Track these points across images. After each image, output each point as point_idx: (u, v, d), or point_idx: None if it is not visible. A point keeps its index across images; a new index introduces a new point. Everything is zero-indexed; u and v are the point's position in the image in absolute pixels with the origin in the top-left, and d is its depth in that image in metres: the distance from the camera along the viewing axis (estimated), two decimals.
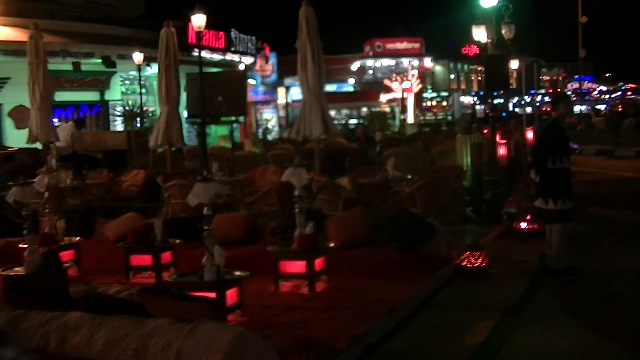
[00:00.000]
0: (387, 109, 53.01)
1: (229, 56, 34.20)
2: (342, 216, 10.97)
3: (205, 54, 32.56)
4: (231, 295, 7.99)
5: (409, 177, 13.44)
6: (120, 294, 9.45)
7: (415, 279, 9.34)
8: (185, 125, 24.29)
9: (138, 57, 23.60)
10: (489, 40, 15.04)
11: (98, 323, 6.15)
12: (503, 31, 18.02)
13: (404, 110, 50.55)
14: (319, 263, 9.25)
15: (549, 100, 29.96)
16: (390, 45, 63.62)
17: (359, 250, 10.19)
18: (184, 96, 16.87)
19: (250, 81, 39.01)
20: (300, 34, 13.71)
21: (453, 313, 8.47)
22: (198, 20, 16.32)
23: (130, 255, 10.37)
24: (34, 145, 17.64)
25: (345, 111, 48.12)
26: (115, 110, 29.50)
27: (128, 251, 10.39)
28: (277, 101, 42.86)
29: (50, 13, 28.08)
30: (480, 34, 15.92)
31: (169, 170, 15.87)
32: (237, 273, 8.24)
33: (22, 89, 27.54)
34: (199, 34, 17.15)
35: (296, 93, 51.88)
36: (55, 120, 27.43)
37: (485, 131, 16.16)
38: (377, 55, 63.61)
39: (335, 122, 43.64)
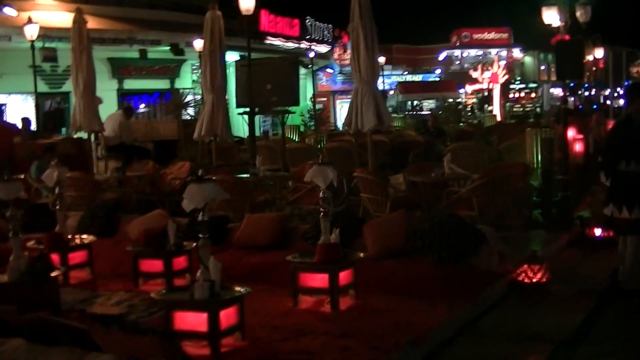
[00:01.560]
0: (474, 100, 51.14)
1: (304, 44, 33.00)
2: (380, 221, 9.58)
3: (278, 42, 31.53)
4: (227, 316, 6.71)
5: (470, 175, 11.92)
6: (121, 304, 8.34)
7: (455, 299, 7.89)
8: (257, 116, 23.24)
9: (199, 44, 22.45)
10: (562, 24, 13.31)
11: (35, 356, 4.94)
12: (577, 14, 16.32)
13: (488, 101, 48.54)
14: (344, 277, 7.91)
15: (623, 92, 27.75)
16: (477, 36, 61.40)
17: (395, 261, 8.77)
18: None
19: (328, 70, 37.82)
20: (352, 18, 12.35)
21: (495, 345, 6.96)
22: (246, 2, 15.00)
23: (139, 260, 9.18)
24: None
25: (427, 102, 46.37)
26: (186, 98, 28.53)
27: (137, 255, 9.19)
28: None
29: (119, 0, 27.26)
30: (551, 16, 14.22)
31: (215, 162, 14.66)
32: (237, 289, 6.94)
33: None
34: (247, 18, 15.54)
35: (379, 82, 50.45)
36: (142, 106, 26.74)
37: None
38: (464, 46, 61.55)
39: (410, 112, 42.45)
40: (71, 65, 15.51)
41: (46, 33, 22.80)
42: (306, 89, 32.24)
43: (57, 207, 10.00)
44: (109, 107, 24.97)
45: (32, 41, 19.99)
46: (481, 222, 9.82)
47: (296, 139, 22.92)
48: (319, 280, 7.82)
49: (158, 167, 15.47)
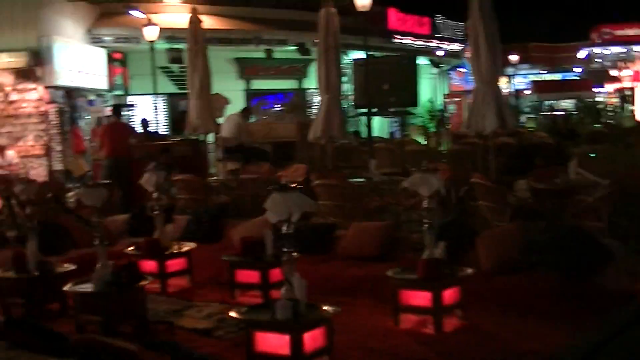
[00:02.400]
0: (615, 100, 48.67)
1: (434, 43, 32.03)
2: (495, 233, 8.72)
3: (407, 40, 30.68)
4: (312, 338, 6.04)
5: (600, 182, 10.84)
6: (211, 317, 7.79)
7: (577, 322, 6.98)
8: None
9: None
10: None
11: None
12: None
13: (630, 101, 46.03)
14: (449, 295, 7.12)
15: None
16: (619, 32, 58.65)
17: (510, 277, 7.92)
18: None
19: (460, 69, 36.63)
20: (471, 14, 11.51)
21: None
22: None
23: (235, 270, 8.62)
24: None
25: (564, 102, 44.28)
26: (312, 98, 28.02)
27: (233, 265, 8.63)
28: None
29: (246, 0, 26.99)
30: None
31: (332, 165, 14.04)
32: (325, 308, 6.26)
33: (217, 77, 26.96)
34: (371, 15, 14.88)
35: (518, 82, 48.81)
36: (277, 106, 26.38)
37: None
38: (605, 43, 58.88)
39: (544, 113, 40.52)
40: (187, 65, 15.16)
41: (173, 35, 22.68)
42: (436, 89, 31.27)
43: (156, 212, 9.57)
44: (236, 108, 24.84)
45: (152, 42, 19.82)
46: (610, 236, 8.83)
47: (423, 141, 22.05)
48: (421, 298, 7.07)
49: (274, 170, 14.94)
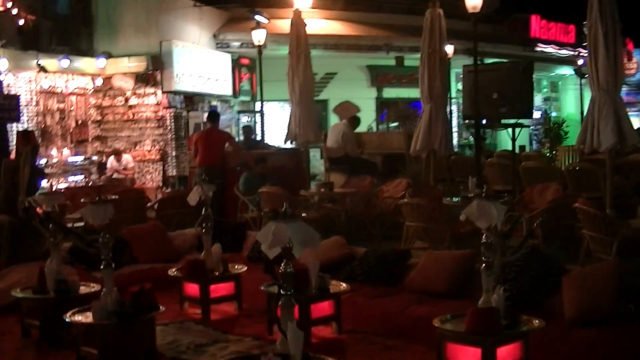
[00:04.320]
0: None
1: (580, 51, 29.66)
2: (585, 272, 7.03)
3: (551, 49, 28.64)
4: None
5: None
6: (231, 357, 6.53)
7: None
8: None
9: (448, 49, 20.34)
10: None
11: None
12: None
13: None
14: (506, 353, 5.59)
15: None
16: None
17: (598, 329, 6.27)
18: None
19: None
20: (590, 14, 9.88)
21: None
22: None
23: (272, 303, 7.31)
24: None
25: None
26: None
27: (271, 297, 7.33)
28: None
29: (378, 6, 25.68)
30: None
31: (433, 181, 12.55)
32: None
33: (348, 85, 25.98)
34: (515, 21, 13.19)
35: None
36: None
37: None
38: None
39: None
40: (287, 69, 14.00)
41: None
42: (582, 101, 28.95)
43: (203, 230, 8.42)
44: (367, 116, 23.68)
45: (259, 46, 18.79)
46: None
47: (573, 159, 19.80)
48: (471, 355, 5.57)
49: (377, 183, 13.60)
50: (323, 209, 12.88)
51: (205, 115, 16.59)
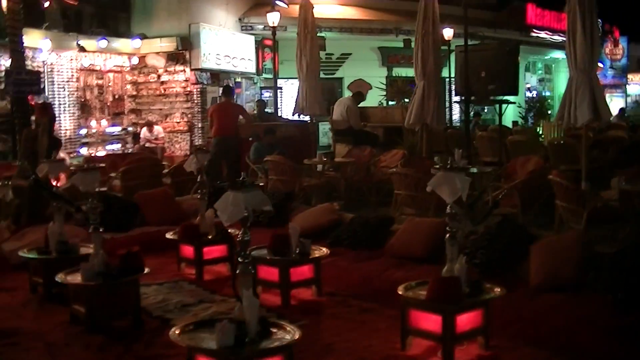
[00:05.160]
0: None
1: None
2: (551, 241, 6.47)
3: (544, 34, 27.79)
4: None
5: None
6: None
7: None
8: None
9: (448, 32, 19.65)
10: None
11: None
12: None
13: None
14: (466, 321, 5.06)
15: None
16: None
17: (560, 295, 5.72)
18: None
19: (599, 64, 32.93)
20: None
21: None
22: None
23: (256, 266, 6.82)
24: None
25: None
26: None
27: (254, 261, 6.82)
28: (626, 85, 35.78)
29: None
30: None
31: (425, 152, 11.97)
32: (288, 329, 4.41)
33: (362, 64, 25.41)
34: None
35: None
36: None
37: None
38: None
39: None
40: (296, 49, 13.51)
41: (318, 24, 21.06)
42: None
43: (199, 196, 7.93)
44: (378, 92, 23.07)
45: (274, 27, 18.20)
46: None
47: (557, 134, 19.01)
48: (432, 322, 5.04)
49: (375, 154, 13.04)
50: (325, 177, 12.36)
51: (221, 89, 16.06)
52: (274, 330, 4.43)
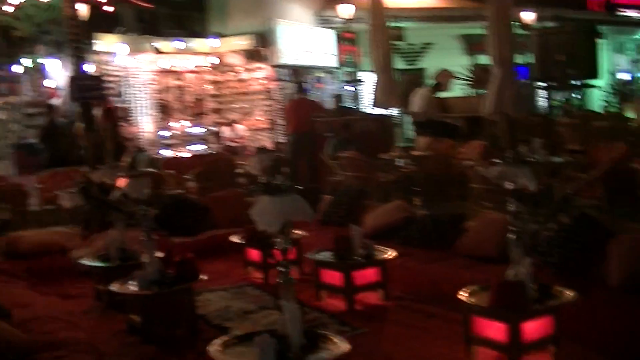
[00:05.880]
0: None
1: None
2: (632, 238, 5.96)
3: (633, 13, 26.37)
4: None
5: None
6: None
7: None
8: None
9: (528, 16, 18.89)
10: None
11: None
12: None
13: None
14: (534, 329, 4.71)
15: None
16: None
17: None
18: None
19: None
20: None
21: None
22: None
23: (320, 269, 6.59)
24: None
25: None
26: None
27: (318, 263, 6.60)
28: None
29: None
30: None
31: (505, 143, 11.47)
32: (335, 343, 4.15)
33: (444, 54, 24.79)
34: None
35: None
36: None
37: None
38: None
39: None
40: (369, 41, 13.20)
41: (395, 14, 20.66)
42: None
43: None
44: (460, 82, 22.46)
45: (350, 20, 17.92)
46: None
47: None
48: (496, 331, 4.70)
49: (455, 146, 12.60)
50: (401, 171, 12.00)
51: (296, 86, 15.90)
52: (321, 343, 4.17)
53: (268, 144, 19.06)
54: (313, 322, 5.82)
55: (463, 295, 4.95)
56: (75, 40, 10.50)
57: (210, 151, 17.86)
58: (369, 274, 6.39)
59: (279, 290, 4.22)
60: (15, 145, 15.42)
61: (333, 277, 6.38)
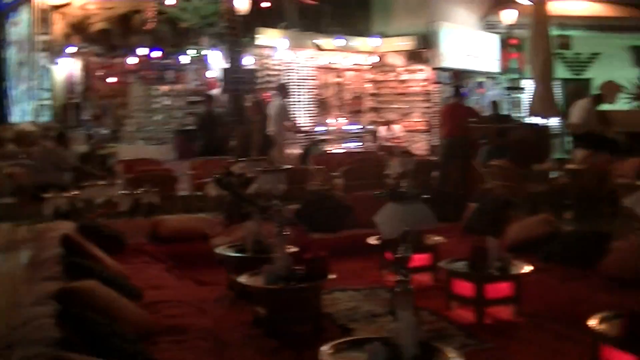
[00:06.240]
0: None
1: None
2: None
3: None
4: None
5: None
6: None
7: None
8: None
9: None
10: None
11: None
12: None
13: None
14: None
15: None
16: None
17: None
18: None
19: None
20: None
21: None
22: None
23: (452, 279, 6.40)
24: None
25: None
26: None
27: (450, 273, 6.41)
28: None
29: None
30: None
31: None
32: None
33: (611, 64, 23.66)
34: None
35: None
36: None
37: None
38: None
39: None
40: (530, 48, 12.79)
41: (561, 21, 19.94)
42: None
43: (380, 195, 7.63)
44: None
45: (513, 25, 17.40)
46: None
47: None
48: None
49: (611, 162, 11.95)
50: (552, 184, 11.54)
51: (453, 90, 15.62)
52: (435, 357, 4.03)
53: (423, 146, 18.94)
54: (439, 331, 5.68)
55: (593, 320, 4.65)
56: (231, 34, 10.78)
57: (363, 150, 17.91)
58: (502, 288, 6.14)
59: (396, 299, 4.10)
60: (177, 131, 16.15)
61: (465, 287, 6.19)
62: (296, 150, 14.20)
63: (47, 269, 5.27)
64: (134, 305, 4.87)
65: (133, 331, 4.21)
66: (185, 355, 4.52)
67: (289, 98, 14.45)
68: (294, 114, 15.54)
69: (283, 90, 13.43)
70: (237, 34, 10.68)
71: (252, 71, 12.92)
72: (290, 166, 9.93)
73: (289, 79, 17.26)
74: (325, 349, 4.16)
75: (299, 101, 17.68)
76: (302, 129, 16.26)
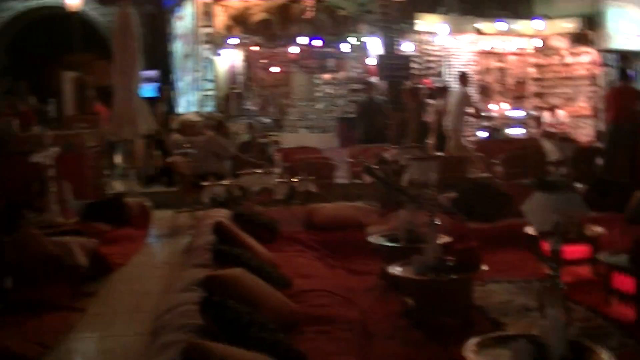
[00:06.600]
0: None
1: None
2: None
3: None
4: None
5: None
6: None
7: None
8: None
9: None
10: None
11: None
12: None
13: None
14: None
15: None
16: None
17: None
18: None
19: None
20: None
21: None
22: None
23: (611, 273, 5.99)
24: None
25: None
26: None
27: (609, 267, 6.02)
28: None
29: None
30: None
31: None
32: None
33: None
34: None
35: None
36: None
37: None
38: None
39: None
40: None
41: None
42: None
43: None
44: None
45: None
46: None
47: None
48: None
49: None
50: None
51: (619, 72, 14.75)
52: (586, 357, 3.77)
53: (589, 132, 18.08)
54: (594, 329, 5.34)
55: None
56: (386, 20, 10.66)
57: (524, 136, 17.32)
58: None
59: (544, 294, 3.86)
60: (339, 118, 16.27)
61: (625, 282, 5.78)
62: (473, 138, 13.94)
63: (199, 255, 5.38)
64: (281, 294, 4.86)
65: (277, 320, 4.19)
66: (329, 345, 4.46)
67: (469, 86, 14.09)
68: (475, 102, 15.15)
69: (463, 78, 13.23)
70: (391, 19, 10.54)
71: (407, 57, 12.72)
72: (462, 155, 9.64)
73: (449, 64, 16.92)
74: (469, 344, 3.98)
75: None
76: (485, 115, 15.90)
